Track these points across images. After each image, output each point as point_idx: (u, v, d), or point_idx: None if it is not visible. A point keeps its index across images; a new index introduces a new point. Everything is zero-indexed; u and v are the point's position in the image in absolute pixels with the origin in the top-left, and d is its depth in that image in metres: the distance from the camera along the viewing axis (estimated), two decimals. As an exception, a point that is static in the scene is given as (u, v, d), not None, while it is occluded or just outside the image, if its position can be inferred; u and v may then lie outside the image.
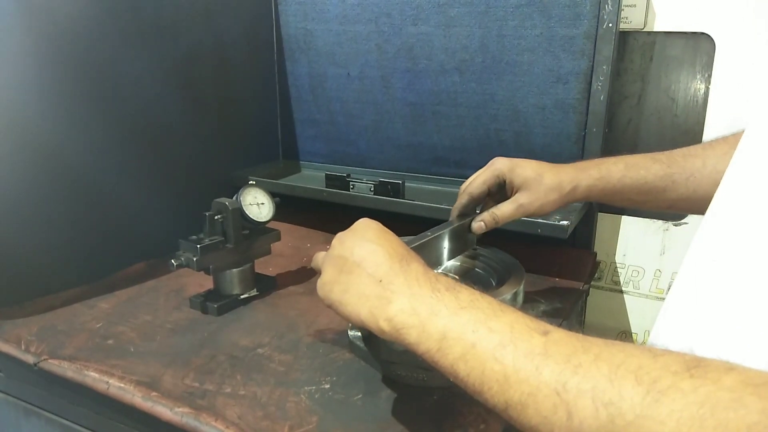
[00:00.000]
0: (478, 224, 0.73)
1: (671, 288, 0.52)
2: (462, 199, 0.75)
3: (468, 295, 0.44)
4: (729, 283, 0.45)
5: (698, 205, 0.67)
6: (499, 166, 0.73)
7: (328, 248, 0.55)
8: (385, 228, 0.54)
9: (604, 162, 0.72)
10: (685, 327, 0.49)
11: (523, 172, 0.72)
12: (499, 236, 0.87)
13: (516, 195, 0.73)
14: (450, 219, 0.75)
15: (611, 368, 0.33)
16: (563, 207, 0.73)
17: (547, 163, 0.74)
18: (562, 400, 0.33)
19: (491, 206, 0.74)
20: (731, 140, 0.67)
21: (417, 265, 0.48)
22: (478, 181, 0.74)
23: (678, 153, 0.70)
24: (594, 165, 0.72)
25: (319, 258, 0.57)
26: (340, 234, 0.55)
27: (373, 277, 0.48)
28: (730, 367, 0.30)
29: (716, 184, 0.62)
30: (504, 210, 0.73)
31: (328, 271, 0.52)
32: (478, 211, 0.76)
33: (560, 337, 0.37)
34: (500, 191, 0.75)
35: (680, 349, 0.41)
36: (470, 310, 0.42)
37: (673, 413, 0.29)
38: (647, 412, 0.30)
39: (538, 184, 0.71)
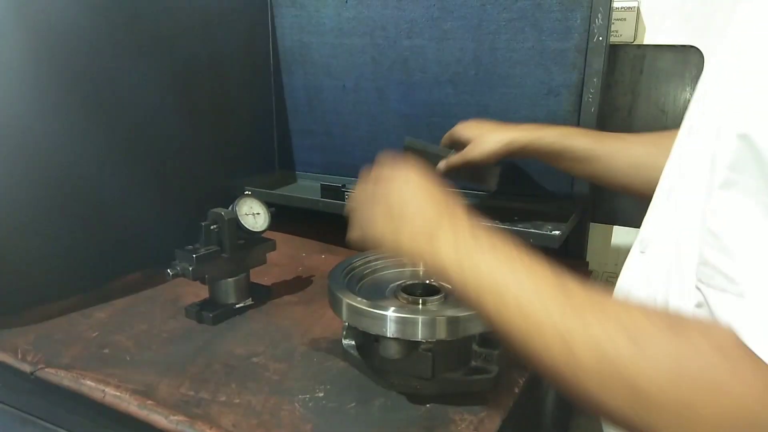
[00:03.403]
0: (440, 164, 0.94)
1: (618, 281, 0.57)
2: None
3: (501, 236, 0.48)
4: (654, 274, 0.50)
5: (615, 181, 0.81)
6: (455, 128, 0.93)
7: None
8: (423, 173, 0.57)
9: (546, 127, 0.86)
10: None
11: (468, 131, 0.90)
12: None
13: (469, 145, 0.89)
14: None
15: (605, 316, 0.38)
16: (507, 157, 0.87)
17: (495, 124, 0.90)
18: (562, 336, 0.39)
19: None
20: (659, 134, 0.79)
21: (460, 210, 0.53)
22: (448, 134, 0.95)
23: (613, 134, 0.84)
24: (535, 128, 0.86)
25: (356, 197, 0.60)
26: (380, 173, 0.58)
27: (422, 216, 0.52)
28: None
29: (630, 166, 0.78)
30: (452, 158, 0.92)
31: (373, 211, 0.56)
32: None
33: (575, 287, 0.42)
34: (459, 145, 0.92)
35: None
36: (502, 247, 0.46)
37: (651, 358, 0.35)
38: (634, 352, 0.35)
39: (480, 138, 0.88)
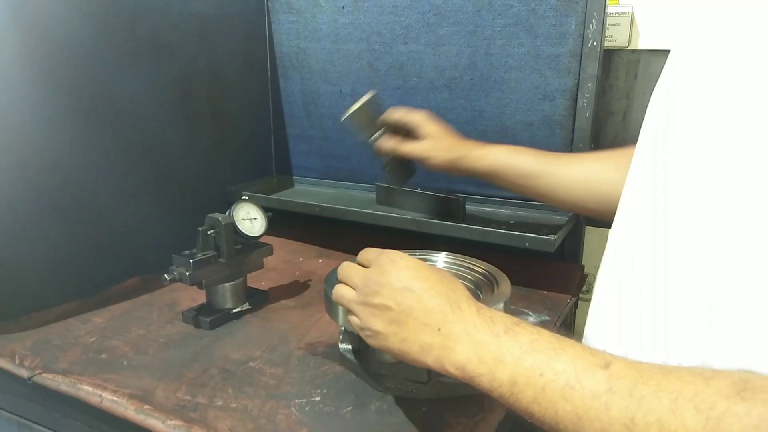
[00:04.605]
0: (379, 145, 0.90)
1: (594, 294, 0.57)
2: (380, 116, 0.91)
3: (527, 336, 0.45)
4: (645, 290, 0.50)
5: (562, 198, 0.81)
6: (420, 116, 0.89)
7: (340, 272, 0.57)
8: (416, 261, 0.54)
9: (495, 146, 0.86)
10: (609, 325, 0.54)
11: (431, 129, 0.87)
12: (486, 249, 0.88)
13: (419, 142, 0.87)
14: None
15: (671, 399, 0.35)
16: (451, 170, 0.87)
17: (453, 131, 0.89)
18: None
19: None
20: (608, 152, 0.80)
21: (467, 305, 0.49)
22: (398, 114, 0.89)
23: (555, 154, 0.84)
24: (487, 144, 0.86)
25: (348, 297, 0.57)
26: (367, 273, 0.55)
27: (429, 326, 0.49)
28: None
29: (576, 181, 0.79)
30: (404, 147, 0.89)
31: (374, 322, 0.52)
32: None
33: (620, 368, 0.39)
34: (407, 133, 0.90)
35: (608, 344, 0.46)
36: (532, 353, 0.43)
37: None
38: None
39: (437, 141, 0.86)
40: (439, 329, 0.48)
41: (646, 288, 0.50)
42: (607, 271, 0.56)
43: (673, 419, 0.34)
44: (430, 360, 0.48)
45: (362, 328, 0.54)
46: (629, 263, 0.53)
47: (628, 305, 0.52)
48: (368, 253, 0.59)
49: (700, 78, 0.49)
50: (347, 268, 0.59)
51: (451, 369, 0.47)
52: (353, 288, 0.57)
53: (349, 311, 0.57)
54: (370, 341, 0.54)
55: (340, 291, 0.58)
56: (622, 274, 0.53)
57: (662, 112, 0.51)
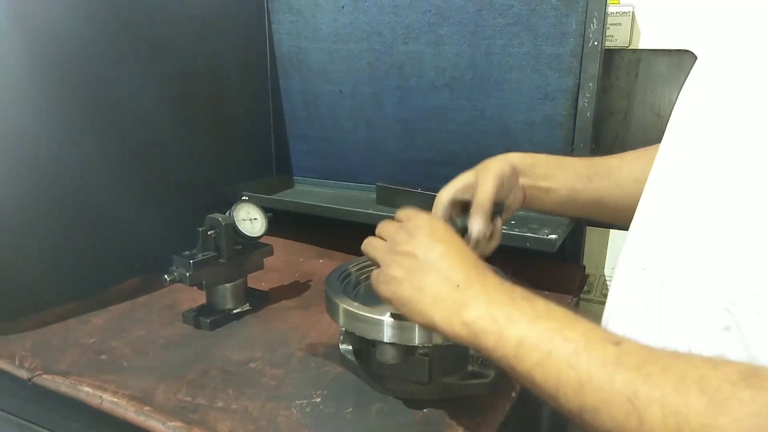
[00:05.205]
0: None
1: (609, 296, 0.56)
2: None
3: (544, 305, 0.45)
4: (658, 290, 0.48)
5: (622, 200, 0.69)
6: (508, 173, 0.69)
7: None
8: (455, 234, 0.55)
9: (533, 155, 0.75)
10: (624, 324, 0.53)
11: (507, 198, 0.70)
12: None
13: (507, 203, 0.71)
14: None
15: (677, 378, 0.35)
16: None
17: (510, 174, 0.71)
18: (634, 408, 0.35)
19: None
20: (640, 151, 0.72)
21: (492, 275, 0.50)
22: (488, 192, 0.66)
23: (593, 158, 0.75)
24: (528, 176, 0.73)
25: (376, 245, 0.57)
26: (402, 225, 0.55)
27: (449, 280, 0.49)
28: None
29: (633, 180, 0.68)
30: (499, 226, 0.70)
31: (395, 268, 0.52)
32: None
33: (631, 347, 0.39)
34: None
35: None
36: (546, 319, 0.43)
37: (735, 421, 0.32)
38: (711, 420, 0.32)
39: (513, 205, 0.71)
40: (458, 285, 0.48)
41: (659, 288, 0.49)
42: (623, 271, 0.55)
43: (676, 397, 0.34)
44: (439, 314, 0.48)
45: (379, 275, 0.54)
46: (645, 262, 0.52)
47: (642, 305, 0.51)
48: (410, 212, 0.58)
49: (727, 79, 0.48)
50: (385, 224, 0.58)
51: (458, 326, 0.46)
52: (384, 239, 0.57)
53: (374, 263, 0.57)
54: (381, 288, 0.53)
55: (371, 242, 0.58)
56: (638, 274, 0.53)
57: (688, 112, 0.51)
